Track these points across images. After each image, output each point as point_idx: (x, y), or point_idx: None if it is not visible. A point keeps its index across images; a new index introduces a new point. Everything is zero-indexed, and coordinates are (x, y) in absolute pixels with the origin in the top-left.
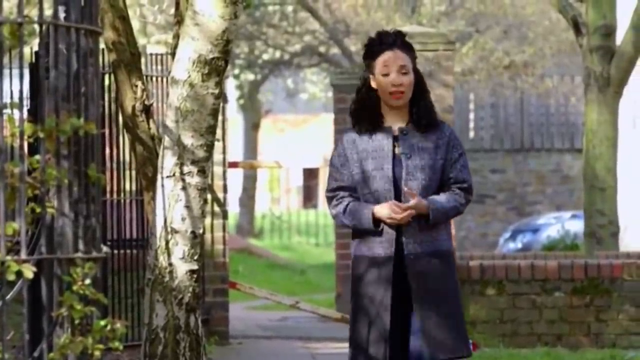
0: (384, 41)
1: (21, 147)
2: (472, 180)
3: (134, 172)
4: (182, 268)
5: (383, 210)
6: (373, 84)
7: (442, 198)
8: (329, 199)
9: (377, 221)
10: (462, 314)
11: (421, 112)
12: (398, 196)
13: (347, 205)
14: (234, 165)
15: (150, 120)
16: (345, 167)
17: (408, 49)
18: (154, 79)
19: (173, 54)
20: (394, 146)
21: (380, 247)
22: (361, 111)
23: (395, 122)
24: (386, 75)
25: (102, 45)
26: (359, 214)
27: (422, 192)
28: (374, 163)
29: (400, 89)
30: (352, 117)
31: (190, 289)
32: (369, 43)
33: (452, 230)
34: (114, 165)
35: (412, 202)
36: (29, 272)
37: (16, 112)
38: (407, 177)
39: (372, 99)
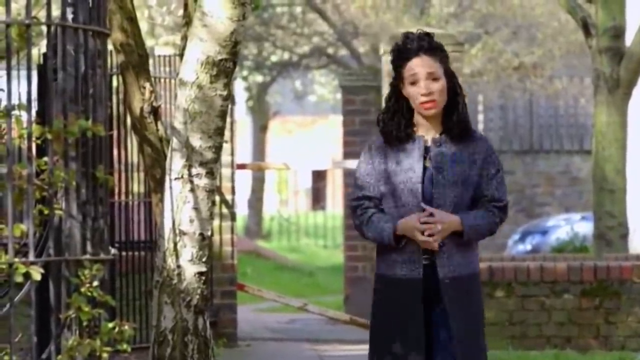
0: (409, 47)
1: (29, 148)
2: (507, 199)
3: (142, 174)
4: (190, 270)
5: (408, 224)
6: (404, 92)
7: (476, 214)
8: (353, 209)
9: (399, 237)
10: (484, 345)
11: (453, 120)
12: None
13: (371, 216)
14: (242, 167)
15: (158, 122)
16: (371, 176)
17: (436, 52)
18: (162, 80)
19: (181, 56)
20: (424, 158)
21: (403, 267)
22: (391, 121)
23: (429, 132)
24: (414, 84)
25: (110, 47)
26: (380, 227)
27: (453, 210)
28: (401, 175)
29: (431, 97)
30: (380, 127)
31: (199, 291)
32: (394, 50)
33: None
34: (122, 167)
35: (437, 216)
36: (36, 274)
37: (24, 114)
38: (436, 192)
39: (402, 108)
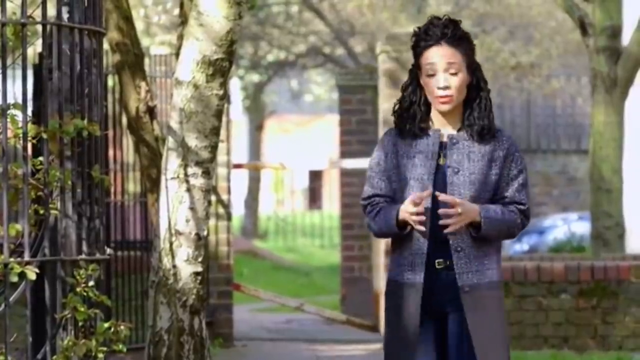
0: (430, 34)
1: (25, 148)
2: (529, 203)
3: (137, 174)
4: (186, 270)
5: (402, 208)
6: (421, 82)
7: (495, 208)
8: (364, 208)
9: (404, 225)
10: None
11: (474, 116)
12: (437, 215)
13: (379, 210)
14: (238, 166)
15: (154, 122)
16: (382, 173)
17: (461, 42)
18: (158, 80)
19: (177, 55)
20: (439, 155)
21: (408, 270)
22: (406, 111)
23: (446, 126)
24: (431, 76)
25: (105, 46)
26: (386, 215)
27: None
28: (414, 172)
29: (447, 92)
30: (395, 117)
31: (195, 291)
32: (415, 35)
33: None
34: (118, 167)
35: (457, 205)
36: (32, 273)
37: (19, 114)
38: (450, 192)
39: (419, 99)
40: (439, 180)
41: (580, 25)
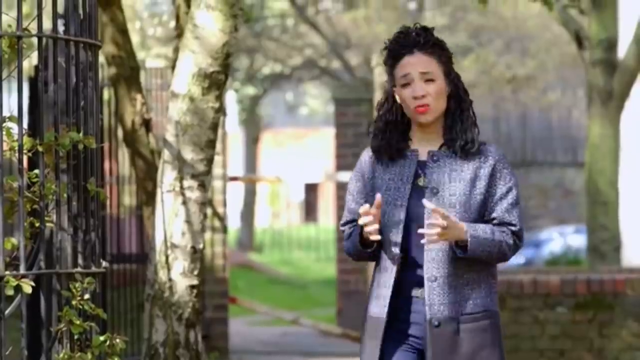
0: (402, 44)
1: (20, 161)
2: (522, 225)
3: (133, 187)
4: (182, 283)
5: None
6: (397, 97)
7: (485, 228)
8: (343, 233)
9: (369, 241)
10: None
11: (456, 130)
12: (407, 241)
13: (352, 230)
14: (234, 179)
15: (150, 134)
16: (362, 197)
17: (435, 49)
18: (154, 92)
19: (173, 68)
20: (416, 175)
21: (376, 303)
22: (382, 132)
23: (427, 144)
24: (407, 85)
25: (101, 59)
26: (353, 235)
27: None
28: (387, 195)
29: (424, 101)
30: (372, 138)
31: (190, 304)
32: (386, 47)
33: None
34: (114, 180)
35: (439, 219)
36: (27, 287)
37: (15, 126)
38: (429, 218)
39: (397, 116)
40: (418, 204)
41: (576, 38)
